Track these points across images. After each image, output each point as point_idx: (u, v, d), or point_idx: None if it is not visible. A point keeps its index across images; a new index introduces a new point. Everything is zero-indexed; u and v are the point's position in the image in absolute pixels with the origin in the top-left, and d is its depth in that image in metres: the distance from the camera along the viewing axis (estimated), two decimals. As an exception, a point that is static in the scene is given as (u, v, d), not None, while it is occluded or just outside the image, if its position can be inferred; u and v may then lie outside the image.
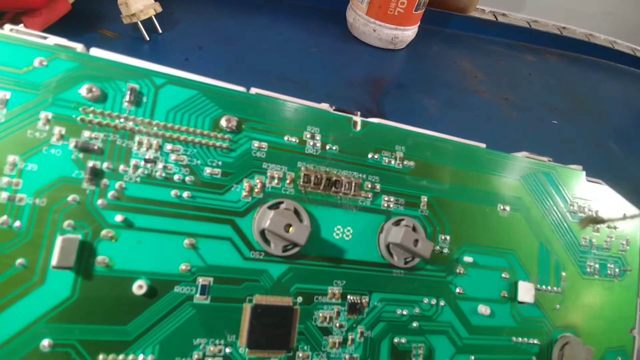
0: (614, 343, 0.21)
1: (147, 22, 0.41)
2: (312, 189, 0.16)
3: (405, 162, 0.17)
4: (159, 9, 0.40)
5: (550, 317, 0.19)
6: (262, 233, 0.15)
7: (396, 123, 0.18)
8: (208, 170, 0.15)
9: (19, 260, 0.12)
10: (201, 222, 0.14)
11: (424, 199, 0.18)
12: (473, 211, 0.18)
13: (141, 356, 0.13)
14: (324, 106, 0.17)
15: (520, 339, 0.18)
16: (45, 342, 0.12)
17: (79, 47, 0.14)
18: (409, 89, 0.48)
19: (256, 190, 0.15)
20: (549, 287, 0.20)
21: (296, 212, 0.15)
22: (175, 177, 0.14)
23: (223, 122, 0.15)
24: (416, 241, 0.16)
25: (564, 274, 0.20)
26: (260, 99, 0.16)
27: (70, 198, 0.13)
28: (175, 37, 0.42)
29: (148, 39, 0.41)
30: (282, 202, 0.15)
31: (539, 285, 0.19)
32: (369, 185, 0.17)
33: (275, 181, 0.15)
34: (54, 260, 0.12)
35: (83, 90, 0.13)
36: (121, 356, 0.13)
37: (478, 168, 0.19)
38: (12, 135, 0.13)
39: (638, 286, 0.23)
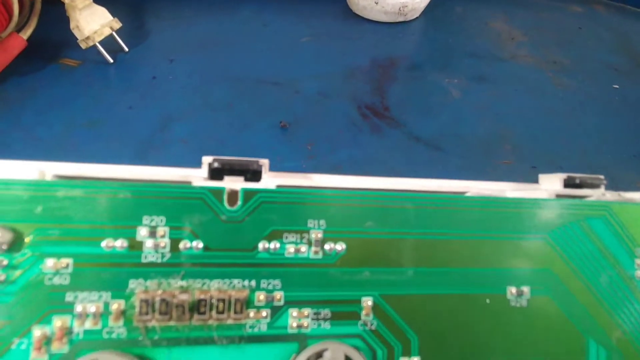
0: None
1: (111, 43, 0.36)
2: (158, 322, 0.09)
3: (327, 246, 0.10)
4: (117, 25, 0.35)
5: None
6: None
7: (301, 178, 0.11)
8: None
9: None
10: None
11: (368, 301, 0.10)
12: (459, 307, 0.11)
13: None
14: (178, 175, 0.10)
15: None
16: None
17: None
18: (424, 69, 0.39)
19: (56, 342, 0.09)
20: None
21: None
22: None
23: None
24: None
25: None
26: (56, 186, 0.10)
27: None
28: (144, 53, 0.37)
29: (112, 61, 0.36)
30: None
31: None
32: (262, 298, 0.10)
33: (91, 321, 0.09)
34: None
35: None
36: None
37: (463, 232, 0.11)
38: None
39: None
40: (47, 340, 0.09)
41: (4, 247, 0.09)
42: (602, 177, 0.14)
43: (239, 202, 0.10)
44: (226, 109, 0.34)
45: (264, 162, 0.11)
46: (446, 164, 0.31)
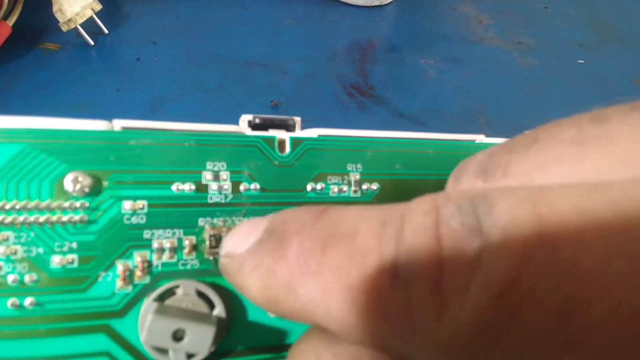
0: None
1: (91, 25, 0.36)
2: None
3: (364, 186, 0.12)
4: (98, 7, 0.35)
5: None
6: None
7: (347, 130, 0.12)
8: (57, 259, 0.10)
9: None
10: (60, 338, 0.10)
11: None
12: None
13: None
14: (231, 127, 0.11)
15: None
16: None
17: None
18: (401, 51, 0.41)
19: (138, 273, 0.10)
20: None
21: (202, 295, 0.10)
22: (9, 278, 0.10)
23: (68, 184, 0.10)
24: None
25: None
26: (129, 136, 0.11)
27: None
28: (125, 34, 0.37)
29: (93, 43, 0.36)
30: (177, 287, 0.10)
31: None
32: None
33: (167, 254, 0.10)
34: None
35: None
36: None
37: None
38: None
39: None
40: (129, 273, 0.10)
41: (86, 190, 0.10)
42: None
43: (288, 149, 0.12)
44: (217, 90, 0.34)
45: (297, 120, 0.13)
46: (429, 136, 0.34)
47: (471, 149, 0.13)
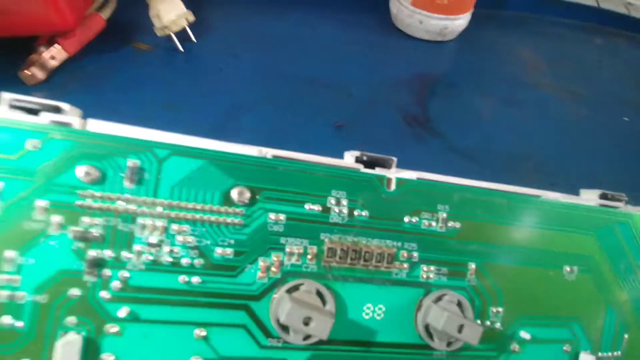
0: None
1: (181, 33, 0.40)
2: (337, 263, 0.14)
3: (449, 224, 0.15)
4: (192, 18, 0.39)
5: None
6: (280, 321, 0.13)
7: (441, 176, 0.15)
8: (219, 250, 0.13)
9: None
10: (212, 309, 0.13)
11: (472, 266, 0.15)
12: (533, 276, 0.16)
13: None
14: (351, 162, 0.14)
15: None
16: None
17: (75, 121, 0.12)
18: (459, 87, 0.44)
19: (273, 269, 0.13)
20: (610, 353, 0.16)
21: (319, 293, 0.13)
22: (183, 261, 0.13)
23: (234, 195, 0.13)
24: (461, 327, 0.13)
25: (626, 336, 0.17)
26: (277, 163, 0.14)
27: (70, 293, 0.12)
28: (210, 45, 0.41)
29: (182, 50, 0.40)
30: (302, 284, 0.13)
31: (600, 353, 0.16)
32: (405, 255, 0.14)
33: (295, 258, 0.14)
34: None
35: (80, 173, 0.12)
36: None
37: (540, 224, 0.16)
38: (8, 229, 0.12)
39: None
40: (267, 268, 0.13)
41: (245, 201, 0.13)
42: (623, 195, 0.19)
43: (394, 187, 0.15)
44: (286, 105, 0.37)
45: (394, 159, 0.16)
46: (479, 173, 0.36)
47: (537, 203, 0.16)
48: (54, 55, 0.31)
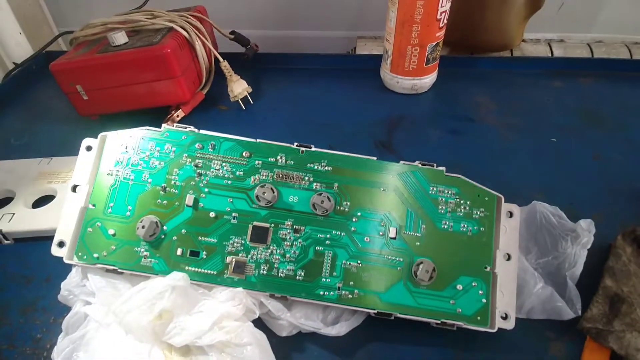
0: (470, 273, 0.36)
1: (244, 98, 0.67)
2: (281, 179, 0.37)
3: (326, 168, 0.37)
4: (250, 90, 0.67)
5: (412, 248, 0.36)
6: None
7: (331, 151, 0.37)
8: (239, 172, 0.37)
9: (176, 204, 0.36)
10: (235, 193, 0.37)
11: (336, 185, 0.37)
12: (364, 191, 0.37)
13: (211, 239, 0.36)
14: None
15: (390, 256, 0.35)
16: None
17: (194, 129, 0.38)
18: (419, 124, 0.64)
19: (257, 179, 0.37)
20: (412, 232, 0.36)
21: (271, 189, 0.36)
22: (225, 179, 0.37)
23: (245, 155, 0.37)
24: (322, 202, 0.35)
25: (423, 226, 0.36)
26: (266, 144, 0.38)
27: (191, 183, 0.36)
28: (261, 105, 0.68)
29: (244, 108, 0.67)
30: (265, 185, 0.36)
31: (405, 231, 0.36)
32: (307, 179, 0.37)
33: (265, 177, 0.37)
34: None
35: (197, 145, 0.37)
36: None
37: (368, 170, 0.37)
38: (175, 162, 0.37)
39: (493, 238, 0.37)
40: (256, 180, 0.37)
41: (247, 158, 0.37)
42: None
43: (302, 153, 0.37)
44: (304, 138, 0.61)
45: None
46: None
47: (371, 162, 0.37)
48: (178, 114, 0.60)
